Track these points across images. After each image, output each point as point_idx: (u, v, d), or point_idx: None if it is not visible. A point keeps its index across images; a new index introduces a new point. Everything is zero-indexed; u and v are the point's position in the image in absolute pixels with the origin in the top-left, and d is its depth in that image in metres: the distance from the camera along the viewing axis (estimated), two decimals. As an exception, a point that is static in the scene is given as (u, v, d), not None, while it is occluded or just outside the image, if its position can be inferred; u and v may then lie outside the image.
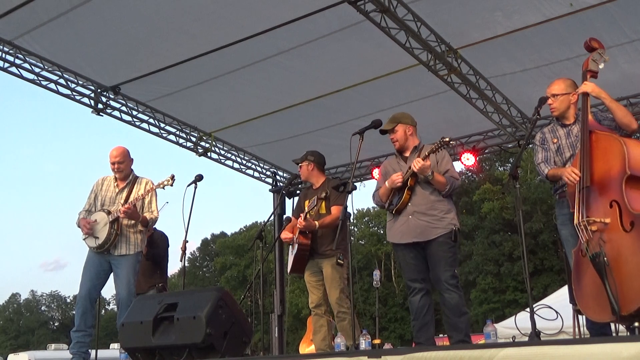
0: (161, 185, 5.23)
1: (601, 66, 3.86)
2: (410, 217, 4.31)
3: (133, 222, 5.16)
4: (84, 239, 5.17)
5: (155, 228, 6.77)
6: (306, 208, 5.14)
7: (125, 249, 5.13)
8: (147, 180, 5.37)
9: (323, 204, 5.03)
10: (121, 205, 5.10)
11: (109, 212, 5.14)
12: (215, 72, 7.19)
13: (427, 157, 4.23)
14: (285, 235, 5.33)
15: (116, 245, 5.10)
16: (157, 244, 6.73)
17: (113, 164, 5.27)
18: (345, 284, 4.99)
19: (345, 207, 4.32)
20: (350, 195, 4.58)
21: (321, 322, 5.09)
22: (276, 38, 6.49)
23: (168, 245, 6.93)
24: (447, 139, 4.22)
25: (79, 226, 5.24)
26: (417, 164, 4.18)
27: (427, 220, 4.26)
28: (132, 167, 5.42)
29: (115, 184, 5.33)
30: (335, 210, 5.01)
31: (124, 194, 5.26)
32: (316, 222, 5.03)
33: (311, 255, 5.13)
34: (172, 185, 5.21)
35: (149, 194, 5.24)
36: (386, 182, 4.46)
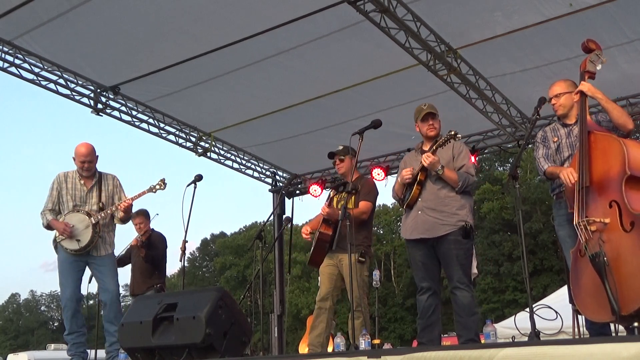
0: (153, 190, 5.30)
1: (599, 67, 3.87)
2: (419, 212, 4.29)
3: (107, 221, 5.17)
4: (59, 241, 5.02)
5: (153, 229, 6.81)
6: (335, 202, 5.11)
7: (104, 250, 5.15)
8: (112, 175, 5.33)
9: (353, 198, 4.90)
10: (96, 205, 5.11)
11: (88, 214, 5.07)
12: (215, 72, 7.18)
13: (435, 152, 4.21)
14: (305, 231, 5.23)
15: (97, 246, 5.09)
16: (155, 246, 6.75)
17: (83, 162, 5.12)
18: (365, 282, 4.94)
19: (345, 207, 4.32)
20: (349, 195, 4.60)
21: (321, 317, 4.94)
22: (276, 38, 6.49)
23: (166, 246, 6.96)
24: (454, 132, 4.21)
25: (48, 227, 5.09)
26: (426, 158, 4.16)
27: (435, 216, 4.22)
28: None
29: (82, 182, 5.17)
30: (362, 205, 4.96)
31: (94, 192, 5.18)
32: (339, 211, 4.95)
33: (331, 247, 5.01)
34: (164, 188, 5.31)
35: (119, 191, 5.28)
36: (398, 177, 4.47)
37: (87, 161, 5.14)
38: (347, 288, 4.88)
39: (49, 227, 5.09)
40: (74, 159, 5.18)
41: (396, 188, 4.55)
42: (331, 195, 5.38)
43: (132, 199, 5.18)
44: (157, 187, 5.34)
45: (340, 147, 5.34)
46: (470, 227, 4.23)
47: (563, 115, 4.09)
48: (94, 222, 5.04)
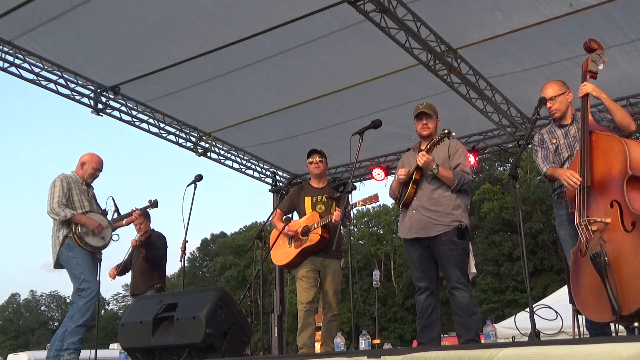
0: (150, 207, 6.12)
1: (600, 67, 3.88)
2: (414, 211, 4.29)
3: None
4: (83, 237, 5.00)
5: (153, 229, 6.83)
6: (309, 205, 5.18)
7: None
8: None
9: (334, 204, 4.98)
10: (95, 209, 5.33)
11: (105, 214, 5.33)
12: (215, 72, 7.18)
13: (430, 150, 4.22)
14: (289, 229, 5.31)
15: None
16: (155, 246, 6.76)
17: (97, 170, 5.33)
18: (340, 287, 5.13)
19: (345, 207, 4.32)
20: (350, 196, 4.60)
21: (310, 319, 4.99)
22: (276, 38, 6.49)
23: (166, 246, 6.96)
24: (447, 130, 4.21)
25: (67, 220, 4.98)
26: (422, 157, 4.16)
27: (429, 215, 4.21)
28: None
29: (84, 187, 5.29)
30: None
31: (93, 200, 5.38)
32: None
33: (316, 252, 5.08)
34: (157, 207, 6.18)
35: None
36: (395, 177, 4.49)
37: (100, 170, 5.36)
38: (328, 292, 5.01)
39: (68, 221, 4.99)
40: (83, 165, 5.28)
41: (393, 187, 4.55)
42: (298, 195, 5.39)
43: (138, 212, 5.67)
44: (152, 205, 6.13)
45: (317, 149, 5.40)
46: (465, 227, 4.20)
47: (559, 117, 4.10)
48: (112, 224, 5.31)
